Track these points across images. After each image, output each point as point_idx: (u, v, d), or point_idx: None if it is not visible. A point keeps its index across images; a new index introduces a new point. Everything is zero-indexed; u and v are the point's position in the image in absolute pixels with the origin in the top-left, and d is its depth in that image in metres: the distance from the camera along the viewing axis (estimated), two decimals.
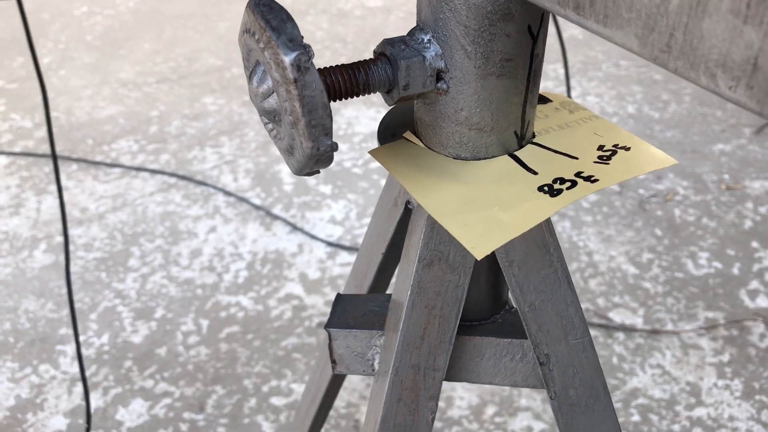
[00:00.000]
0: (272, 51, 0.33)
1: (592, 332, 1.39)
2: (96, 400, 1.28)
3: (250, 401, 1.28)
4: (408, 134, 0.44)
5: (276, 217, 1.69)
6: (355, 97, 0.38)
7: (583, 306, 1.39)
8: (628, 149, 0.42)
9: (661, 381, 1.30)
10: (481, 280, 0.45)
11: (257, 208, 1.72)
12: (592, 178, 0.40)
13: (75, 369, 1.34)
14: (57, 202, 1.75)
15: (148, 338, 1.39)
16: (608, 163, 0.41)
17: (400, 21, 2.58)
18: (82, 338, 1.40)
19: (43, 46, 2.45)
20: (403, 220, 0.46)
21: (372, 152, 0.43)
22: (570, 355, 0.44)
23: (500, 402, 1.26)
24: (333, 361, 0.46)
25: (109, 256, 1.59)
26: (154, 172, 1.85)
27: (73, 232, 1.65)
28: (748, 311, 1.43)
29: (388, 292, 0.51)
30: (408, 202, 0.44)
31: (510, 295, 0.48)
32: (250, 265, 1.56)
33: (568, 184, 0.39)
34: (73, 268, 1.56)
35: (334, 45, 2.44)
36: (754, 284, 1.49)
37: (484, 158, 0.42)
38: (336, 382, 0.60)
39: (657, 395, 1.28)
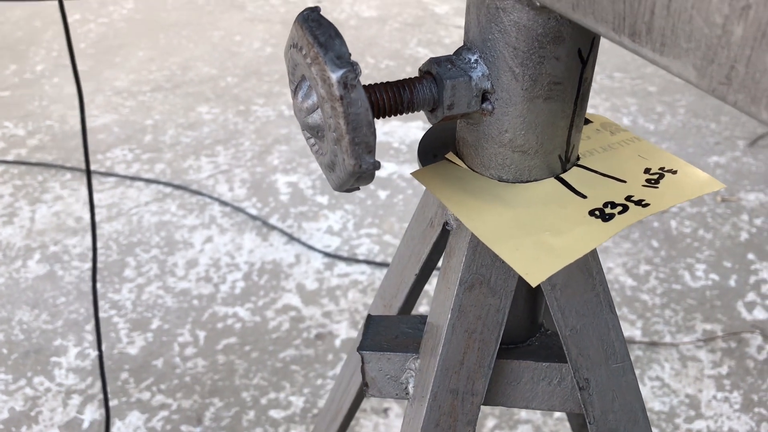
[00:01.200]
0: (319, 67, 0.33)
1: None
2: (92, 413, 1.26)
3: (249, 414, 1.26)
4: (450, 155, 0.43)
5: (273, 228, 1.68)
6: (399, 114, 0.37)
7: None
8: (674, 173, 0.41)
9: (660, 393, 1.30)
10: (519, 302, 0.44)
11: (253, 218, 1.71)
12: (643, 203, 0.39)
13: (70, 381, 1.32)
14: (51, 210, 1.73)
15: (145, 350, 1.38)
16: (657, 187, 0.40)
17: (395, 32, 2.58)
18: (77, 350, 1.38)
19: (35, 54, 2.43)
20: (439, 241, 0.45)
21: (415, 174, 0.42)
22: (610, 379, 0.43)
23: (500, 414, 1.26)
24: (365, 384, 0.46)
25: (104, 267, 1.57)
26: (149, 181, 1.83)
27: (67, 242, 1.64)
28: (745, 323, 1.43)
29: (416, 312, 0.51)
30: (446, 223, 0.43)
31: (545, 318, 0.48)
32: (247, 275, 1.55)
33: (620, 208, 0.39)
34: (68, 278, 1.54)
35: None
36: (751, 296, 1.49)
37: (527, 181, 0.41)
38: (357, 402, 0.59)
39: (657, 407, 1.28)
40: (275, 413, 1.27)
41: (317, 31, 0.33)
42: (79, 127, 2.05)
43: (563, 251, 0.36)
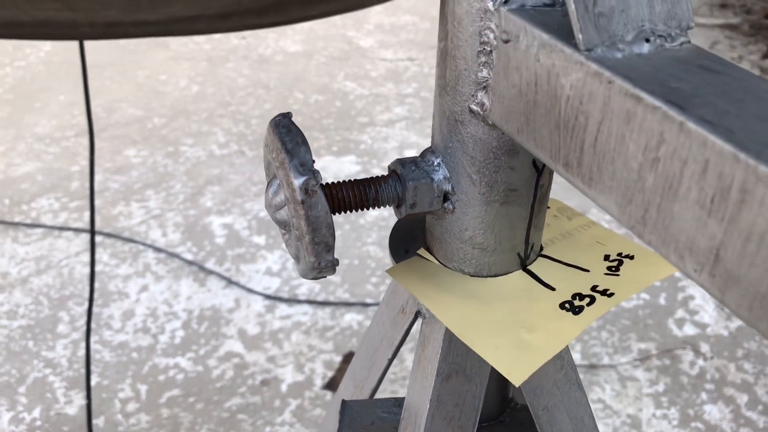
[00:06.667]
0: (284, 171, 0.35)
1: None
2: None
3: None
4: (422, 251, 0.45)
5: (210, 272, 1.66)
6: (365, 210, 0.39)
7: None
8: (632, 258, 0.44)
9: (603, 415, 1.34)
10: (491, 383, 0.46)
11: (189, 263, 1.68)
12: (608, 292, 0.41)
13: None
14: None
15: (84, 409, 1.33)
16: (618, 275, 0.42)
17: (322, 66, 2.60)
18: (10, 414, 1.32)
19: None
20: (410, 326, 0.46)
21: (389, 271, 0.44)
22: None
23: None
24: None
25: (36, 323, 1.52)
26: (78, 230, 1.78)
27: None
28: (677, 340, 1.49)
29: (385, 394, 0.51)
30: (419, 312, 0.45)
31: (513, 392, 0.49)
32: (186, 323, 1.52)
33: (587, 300, 0.40)
34: None
35: (257, 92, 2.43)
36: (680, 313, 1.56)
37: (487, 276, 0.43)
38: None
39: (600, 430, 1.31)
40: None
41: (286, 138, 0.35)
42: (0, 177, 1.98)
43: (540, 348, 0.38)
